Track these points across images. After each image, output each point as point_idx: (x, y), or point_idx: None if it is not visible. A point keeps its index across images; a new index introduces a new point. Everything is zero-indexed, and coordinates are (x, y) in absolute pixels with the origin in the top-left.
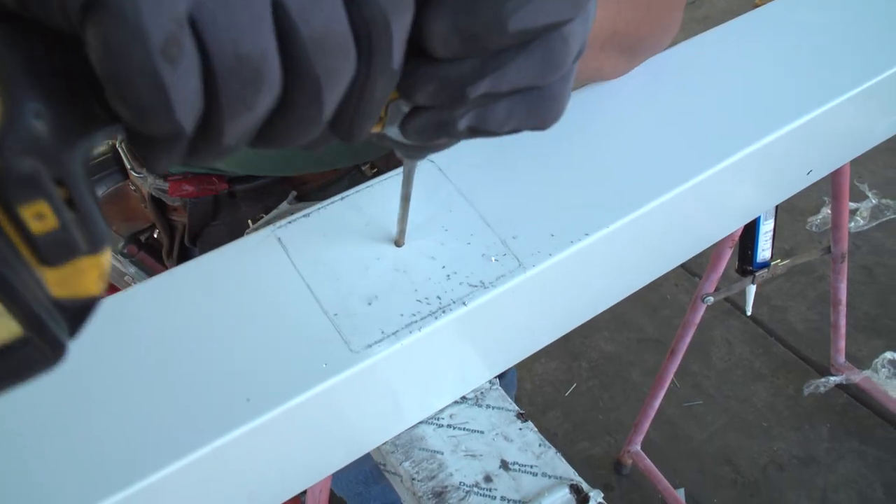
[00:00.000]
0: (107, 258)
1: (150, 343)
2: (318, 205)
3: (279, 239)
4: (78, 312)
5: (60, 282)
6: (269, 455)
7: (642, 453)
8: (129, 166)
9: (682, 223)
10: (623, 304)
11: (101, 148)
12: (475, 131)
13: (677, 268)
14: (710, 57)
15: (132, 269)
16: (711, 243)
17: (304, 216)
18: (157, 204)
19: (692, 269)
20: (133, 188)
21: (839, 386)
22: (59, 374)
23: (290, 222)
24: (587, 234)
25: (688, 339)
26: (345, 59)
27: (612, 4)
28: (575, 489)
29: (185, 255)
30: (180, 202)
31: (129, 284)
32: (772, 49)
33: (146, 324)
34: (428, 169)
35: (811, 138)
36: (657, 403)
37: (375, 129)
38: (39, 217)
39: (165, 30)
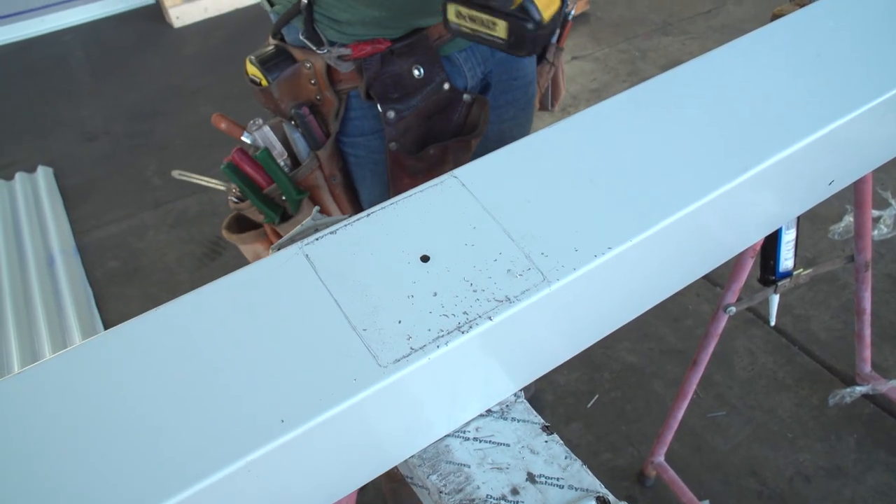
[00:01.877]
0: None
1: (182, 360)
2: (345, 221)
3: (307, 256)
4: None
5: None
6: (299, 469)
7: (666, 465)
8: (314, 48)
9: (704, 235)
10: (644, 314)
11: (269, 49)
12: None
13: (699, 279)
14: (731, 69)
15: (296, 135)
16: (734, 254)
17: (331, 233)
18: (329, 77)
19: (713, 279)
20: (307, 66)
21: (865, 396)
22: (94, 394)
23: (317, 239)
24: (610, 248)
25: (710, 350)
26: None
27: None
28: (602, 501)
29: (345, 122)
30: (353, 67)
31: (283, 156)
32: (792, 60)
33: (179, 341)
34: (452, 186)
35: (832, 149)
36: (680, 414)
37: None
38: None
39: None
